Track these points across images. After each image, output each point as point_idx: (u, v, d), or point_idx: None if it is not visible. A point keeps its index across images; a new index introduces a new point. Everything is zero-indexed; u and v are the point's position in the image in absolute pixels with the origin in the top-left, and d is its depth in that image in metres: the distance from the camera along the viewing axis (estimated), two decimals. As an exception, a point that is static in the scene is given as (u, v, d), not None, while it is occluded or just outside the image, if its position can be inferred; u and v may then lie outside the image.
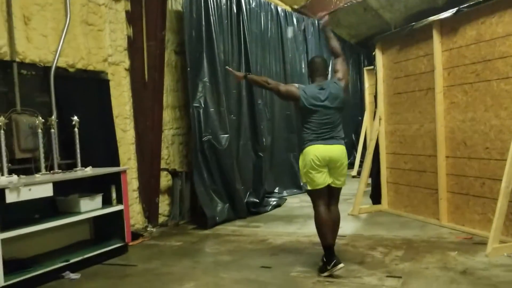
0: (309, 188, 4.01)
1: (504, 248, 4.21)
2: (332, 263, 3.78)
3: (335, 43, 4.32)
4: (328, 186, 3.99)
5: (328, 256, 3.85)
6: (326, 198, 4.01)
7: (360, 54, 12.22)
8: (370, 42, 6.83)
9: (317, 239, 4.80)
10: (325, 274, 3.80)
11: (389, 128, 6.31)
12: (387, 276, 3.76)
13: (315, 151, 3.91)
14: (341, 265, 3.79)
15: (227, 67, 5.48)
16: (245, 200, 6.63)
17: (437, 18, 5.24)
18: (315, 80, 4.13)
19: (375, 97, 6.60)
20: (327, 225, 3.93)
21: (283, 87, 4.23)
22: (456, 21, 5.08)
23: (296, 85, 4.23)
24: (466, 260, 4.10)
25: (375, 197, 6.50)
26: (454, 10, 5.00)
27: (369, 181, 6.67)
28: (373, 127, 6.56)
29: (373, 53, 6.49)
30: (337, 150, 3.96)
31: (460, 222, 5.15)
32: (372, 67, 6.70)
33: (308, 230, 5.50)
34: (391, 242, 4.79)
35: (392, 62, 6.18)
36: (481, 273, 3.75)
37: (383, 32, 6.37)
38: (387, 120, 6.33)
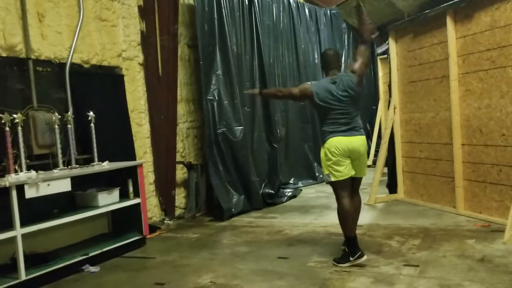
0: (332, 179, 3.95)
1: (523, 236, 4.18)
2: (357, 255, 3.80)
3: (368, 27, 4.23)
4: (351, 177, 3.98)
5: (351, 247, 3.86)
6: (349, 190, 4.00)
7: (373, 43, 12.11)
8: (383, 31, 6.76)
9: (333, 229, 4.82)
10: (347, 264, 3.80)
11: (404, 117, 6.26)
12: (404, 265, 3.77)
13: (337, 143, 3.90)
14: (365, 257, 3.81)
15: (244, 91, 5.73)
16: (261, 191, 6.65)
17: (451, 5, 5.17)
18: (328, 74, 4.10)
19: (389, 86, 6.55)
20: (351, 217, 3.95)
21: (295, 89, 4.24)
22: (470, 7, 5.01)
23: (309, 82, 4.20)
24: (483, 247, 4.07)
25: (391, 186, 6.47)
26: (468, -4, 4.94)
27: (385, 170, 6.64)
28: (388, 116, 6.52)
29: (387, 42, 6.44)
30: (358, 141, 3.95)
31: (477, 209, 5.11)
32: (385, 56, 6.64)
33: (324, 221, 5.51)
34: (408, 231, 4.78)
35: (406, 50, 6.12)
36: (499, 261, 3.72)
37: (396, 20, 6.29)
38: (402, 109, 6.28)
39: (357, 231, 4.67)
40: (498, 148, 4.81)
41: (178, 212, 6.22)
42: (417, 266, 3.70)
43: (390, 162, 6.46)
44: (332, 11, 9.73)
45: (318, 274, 3.75)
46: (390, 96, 6.54)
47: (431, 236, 4.54)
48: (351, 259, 3.80)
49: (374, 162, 8.14)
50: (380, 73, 9.07)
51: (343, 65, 10.03)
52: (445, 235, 4.54)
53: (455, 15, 5.21)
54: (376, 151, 8.45)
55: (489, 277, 3.41)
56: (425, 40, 5.76)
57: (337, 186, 3.98)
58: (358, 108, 4.08)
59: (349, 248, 3.88)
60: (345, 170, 3.92)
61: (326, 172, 4.00)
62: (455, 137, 5.28)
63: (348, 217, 3.93)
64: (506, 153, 4.70)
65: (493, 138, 4.85)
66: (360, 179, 4.12)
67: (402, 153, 6.33)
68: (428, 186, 5.89)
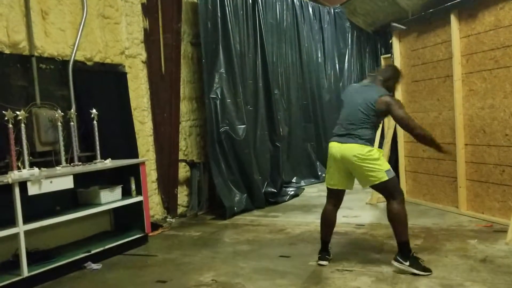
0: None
1: (525, 236, 4.17)
2: (319, 255, 3.96)
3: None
4: (340, 189, 3.92)
5: (322, 249, 4.00)
6: (335, 200, 3.95)
7: (377, 42, 12.09)
8: (387, 30, 6.75)
9: (335, 228, 4.81)
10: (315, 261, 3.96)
11: (407, 116, 6.24)
12: (406, 265, 3.76)
13: (330, 149, 3.84)
14: (325, 262, 3.90)
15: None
16: (263, 190, 6.65)
17: (455, 5, 5.15)
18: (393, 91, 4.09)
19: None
20: (325, 224, 3.99)
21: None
22: (474, 7, 4.99)
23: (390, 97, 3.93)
24: (486, 248, 4.07)
25: (394, 186, 6.45)
26: (472, -5, 4.93)
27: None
28: (391, 115, 6.50)
29: (390, 41, 6.43)
30: (348, 149, 3.68)
31: (480, 210, 5.10)
32: (389, 55, 6.63)
33: (326, 220, 5.50)
34: (410, 230, 4.68)
35: (410, 49, 6.11)
36: (501, 261, 3.72)
37: (400, 19, 6.29)
38: (405, 108, 6.25)
39: (359, 231, 4.70)
40: (501, 148, 4.79)
41: (180, 210, 6.23)
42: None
43: (393, 162, 6.44)
44: (336, 10, 9.71)
45: (319, 273, 3.75)
46: (393, 95, 6.51)
47: (433, 236, 4.53)
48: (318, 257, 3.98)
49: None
50: (384, 72, 9.03)
51: (346, 65, 10.07)
52: (447, 235, 4.54)
53: (459, 15, 5.19)
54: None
55: (491, 277, 3.41)
56: (428, 39, 5.74)
57: (327, 190, 4.02)
58: (368, 121, 3.76)
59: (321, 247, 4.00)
60: (332, 180, 3.93)
61: None
62: (458, 137, 5.26)
63: (323, 223, 4.00)
64: (509, 153, 4.69)
65: (496, 138, 4.84)
66: (375, 187, 3.80)
67: (405, 153, 6.32)
68: (430, 186, 5.88)
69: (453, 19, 5.21)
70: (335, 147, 3.78)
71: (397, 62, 6.30)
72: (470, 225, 4.85)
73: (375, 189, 4.05)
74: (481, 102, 5.01)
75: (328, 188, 3.97)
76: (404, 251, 3.61)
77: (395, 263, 3.60)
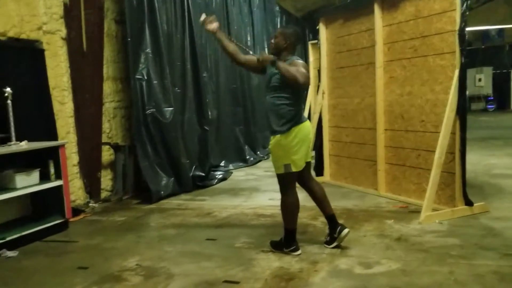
0: (293, 170, 3.68)
1: (436, 216, 4.46)
2: (292, 248, 3.75)
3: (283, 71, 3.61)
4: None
5: (287, 239, 3.77)
6: (300, 179, 3.91)
7: (305, 28, 12.29)
8: (315, 16, 6.86)
9: (261, 211, 4.88)
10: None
11: (331, 102, 6.43)
12: (328, 245, 3.90)
13: (308, 129, 3.76)
14: (299, 252, 3.74)
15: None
16: (191, 173, 6.59)
17: (379, -7, 5.33)
18: (294, 54, 3.81)
19: (319, 71, 6.68)
20: (298, 210, 3.82)
21: (301, 71, 3.54)
22: (396, -4, 5.19)
23: (300, 59, 3.70)
24: (401, 227, 4.31)
25: (318, 169, 6.65)
26: (394, -15, 5.11)
27: (312, 153, 6.80)
28: (317, 101, 6.66)
29: (317, 27, 6.54)
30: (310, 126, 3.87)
31: (397, 192, 5.38)
32: (316, 41, 6.76)
33: (253, 203, 5.58)
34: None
35: (336, 36, 6.26)
36: (415, 239, 3.96)
37: (328, 6, 6.41)
38: (330, 94, 6.44)
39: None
40: (417, 133, 5.07)
41: (104, 194, 6.03)
42: (339, 245, 3.84)
43: (317, 146, 6.63)
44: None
45: (245, 254, 3.80)
46: (319, 81, 6.67)
47: (354, 217, 4.73)
48: (285, 250, 3.75)
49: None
50: (311, 58, 9.22)
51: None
52: (366, 216, 4.75)
53: (382, 4, 5.38)
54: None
55: (404, 254, 3.62)
56: (353, 27, 5.91)
57: (293, 177, 3.81)
58: None
59: (286, 238, 3.78)
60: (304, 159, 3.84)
61: (286, 162, 3.68)
62: (378, 122, 5.49)
63: (297, 210, 3.82)
64: (425, 138, 4.97)
65: (413, 124, 5.10)
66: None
67: (329, 137, 6.51)
68: (352, 169, 6.12)
69: (376, 8, 5.39)
70: (309, 127, 3.81)
71: (324, 49, 6.44)
72: (387, 206, 5.11)
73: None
74: (400, 89, 5.25)
75: (297, 173, 3.75)
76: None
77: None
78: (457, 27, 4.46)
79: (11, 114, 4.43)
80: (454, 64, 4.53)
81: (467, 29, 4.46)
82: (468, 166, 4.72)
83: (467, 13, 4.43)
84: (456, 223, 4.35)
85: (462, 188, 4.56)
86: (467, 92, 4.65)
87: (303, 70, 3.56)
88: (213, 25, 3.99)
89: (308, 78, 3.70)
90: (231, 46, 3.98)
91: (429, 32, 4.83)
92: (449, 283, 3.09)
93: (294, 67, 3.56)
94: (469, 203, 4.57)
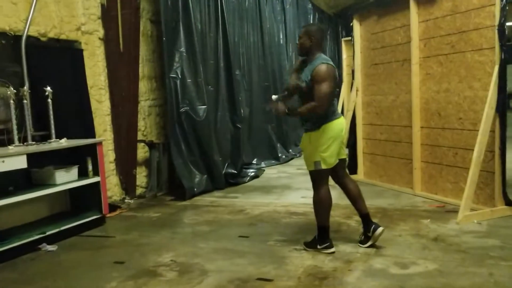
0: (323, 167, 3.66)
1: (474, 216, 4.35)
2: (325, 245, 3.73)
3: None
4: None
5: (320, 236, 3.75)
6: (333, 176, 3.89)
7: (338, 25, 12.18)
8: (348, 13, 6.80)
9: (294, 209, 4.86)
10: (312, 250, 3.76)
11: (365, 99, 6.36)
12: (362, 244, 3.86)
13: (340, 125, 3.70)
14: (333, 249, 3.73)
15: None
16: (223, 171, 6.65)
17: (415, -11, 5.23)
18: (321, 51, 3.75)
19: (353, 69, 6.61)
20: (331, 207, 3.79)
21: (326, 83, 3.51)
22: (433, -9, 5.08)
23: (325, 65, 3.57)
24: (438, 227, 4.22)
25: (352, 167, 6.57)
26: (431, -20, 5.01)
27: (346, 151, 6.74)
28: (350, 98, 6.60)
29: (351, 24, 6.48)
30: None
31: (433, 191, 5.28)
32: (349, 38, 6.69)
33: (286, 200, 5.57)
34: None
35: (370, 33, 6.18)
36: (452, 240, 3.87)
37: (361, 2, 6.34)
38: (364, 91, 6.37)
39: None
40: (454, 131, 4.95)
41: (139, 191, 6.15)
42: (374, 244, 3.79)
43: (351, 143, 6.57)
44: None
45: (277, 252, 3.80)
46: (353, 78, 6.60)
47: (389, 216, 4.66)
48: (318, 247, 3.73)
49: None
50: (344, 55, 9.13)
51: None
52: (401, 215, 4.68)
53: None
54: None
55: (441, 255, 3.55)
56: (388, 23, 5.82)
57: (325, 174, 3.77)
58: None
59: (320, 235, 3.76)
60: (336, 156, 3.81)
61: (317, 159, 3.66)
62: (414, 120, 5.40)
63: (329, 207, 3.79)
64: (462, 136, 4.85)
65: (450, 121, 4.99)
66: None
67: (363, 135, 6.44)
68: (387, 168, 6.03)
69: (412, 3, 5.29)
70: (343, 123, 3.77)
71: (357, 45, 6.37)
72: (423, 205, 5.02)
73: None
74: (437, 86, 5.14)
75: (329, 170, 3.73)
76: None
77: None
78: (496, 22, 4.33)
79: (51, 112, 4.57)
80: (494, 60, 4.40)
81: (507, 24, 4.33)
82: (509, 165, 4.58)
83: (507, 7, 4.30)
84: (495, 224, 4.24)
85: (502, 187, 4.44)
86: (507, 89, 4.51)
87: (319, 91, 3.50)
88: (281, 109, 3.75)
89: (325, 94, 3.53)
90: (302, 109, 3.68)
91: (467, 27, 4.71)
92: (488, 285, 3.01)
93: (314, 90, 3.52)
94: (509, 203, 4.44)
